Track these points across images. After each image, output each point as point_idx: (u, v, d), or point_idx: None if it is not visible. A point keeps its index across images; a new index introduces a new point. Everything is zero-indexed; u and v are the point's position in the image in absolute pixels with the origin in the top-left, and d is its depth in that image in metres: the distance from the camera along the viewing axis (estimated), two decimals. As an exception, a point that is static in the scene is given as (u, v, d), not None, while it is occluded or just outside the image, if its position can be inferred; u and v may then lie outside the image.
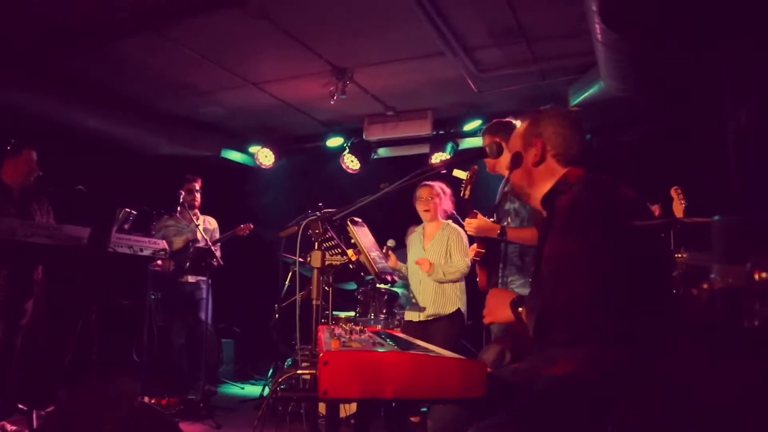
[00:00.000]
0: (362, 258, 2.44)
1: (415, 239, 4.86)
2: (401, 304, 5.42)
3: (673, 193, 3.72)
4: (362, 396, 1.42)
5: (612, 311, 1.67)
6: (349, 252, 2.41)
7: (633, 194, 1.85)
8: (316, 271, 2.25)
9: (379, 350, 1.52)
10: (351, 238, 2.53)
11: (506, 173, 3.76)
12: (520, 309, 1.89)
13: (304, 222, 2.34)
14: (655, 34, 3.68)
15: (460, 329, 4.73)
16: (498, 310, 2.00)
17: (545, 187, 2.07)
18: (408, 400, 1.42)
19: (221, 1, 4.40)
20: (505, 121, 3.95)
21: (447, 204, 4.81)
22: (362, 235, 2.56)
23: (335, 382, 1.40)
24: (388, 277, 2.50)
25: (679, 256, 1.71)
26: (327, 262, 2.36)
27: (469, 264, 4.52)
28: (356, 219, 2.59)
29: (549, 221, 2.00)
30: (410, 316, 4.76)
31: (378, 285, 5.11)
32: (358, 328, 2.18)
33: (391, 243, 5.00)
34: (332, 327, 2.34)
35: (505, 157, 3.73)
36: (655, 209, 3.39)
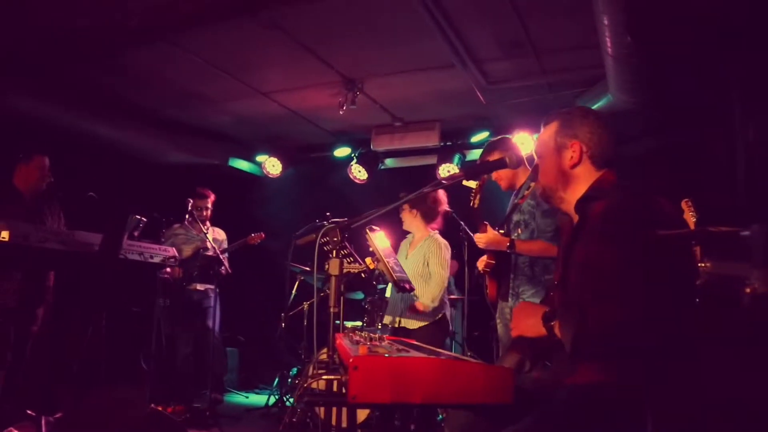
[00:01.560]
0: (380, 266, 2.45)
1: (403, 247, 4.85)
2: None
3: (683, 205, 3.74)
4: (391, 401, 1.43)
5: (648, 326, 1.64)
6: (368, 260, 2.42)
7: (669, 205, 1.82)
8: (334, 279, 2.24)
9: (407, 355, 1.53)
10: (369, 246, 2.54)
11: (518, 184, 3.84)
12: (553, 323, 1.83)
13: (323, 230, 2.34)
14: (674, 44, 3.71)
15: (445, 333, 4.68)
16: (527, 324, 1.93)
17: (580, 189, 2.01)
18: (436, 404, 1.43)
19: (233, 11, 4.44)
20: (502, 138, 4.02)
21: (422, 215, 4.70)
22: (380, 242, 2.57)
23: (365, 387, 1.41)
24: (407, 285, 2.51)
25: (702, 265, 1.71)
26: (345, 270, 2.37)
27: (446, 277, 4.48)
28: (373, 227, 2.60)
29: (580, 226, 1.97)
30: (387, 320, 4.74)
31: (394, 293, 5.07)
32: (376, 335, 2.19)
33: None
34: (350, 334, 2.35)
35: (518, 173, 3.81)
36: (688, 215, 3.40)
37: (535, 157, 2.18)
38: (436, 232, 4.66)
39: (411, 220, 4.64)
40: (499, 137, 4.08)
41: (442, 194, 4.70)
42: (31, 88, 5.65)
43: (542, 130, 2.16)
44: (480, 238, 3.65)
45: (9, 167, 4.57)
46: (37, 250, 3.75)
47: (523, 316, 1.98)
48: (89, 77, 5.73)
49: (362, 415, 4.68)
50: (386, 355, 1.56)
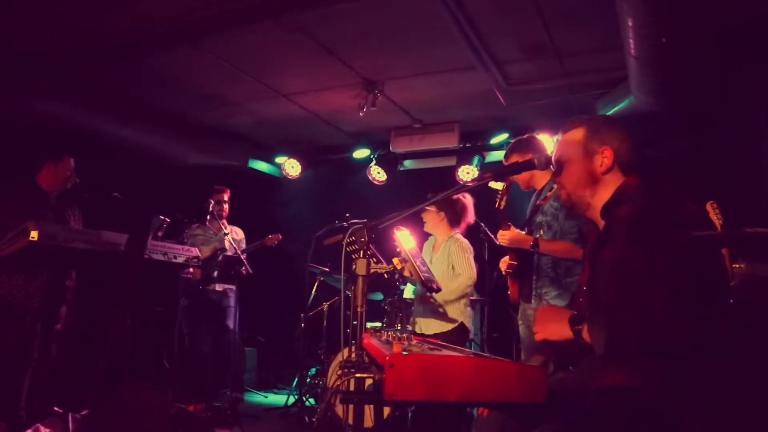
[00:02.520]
0: (408, 266, 2.47)
1: (426, 250, 4.80)
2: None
3: (708, 207, 3.71)
4: (427, 398, 1.44)
5: (678, 327, 1.63)
6: (395, 260, 2.43)
7: (694, 206, 1.82)
8: (361, 279, 2.25)
9: (441, 354, 1.55)
10: (396, 246, 2.56)
11: (540, 185, 3.83)
12: (580, 327, 1.82)
13: (350, 230, 2.35)
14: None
15: (464, 341, 4.50)
16: (552, 327, 1.94)
17: (606, 195, 2.02)
18: (470, 402, 1.44)
19: (256, 15, 4.48)
20: (528, 137, 4.00)
21: (447, 218, 4.67)
22: (406, 242, 2.59)
23: (401, 385, 1.43)
24: (434, 285, 2.52)
25: (737, 266, 1.71)
26: (372, 270, 2.38)
27: (474, 276, 4.38)
28: (400, 227, 2.61)
29: (606, 231, 1.97)
30: (418, 325, 4.69)
31: (424, 293, 5.01)
32: (404, 335, 2.21)
33: None
34: (377, 334, 2.37)
35: (538, 173, 3.80)
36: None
37: (557, 163, 2.17)
38: (458, 233, 4.61)
39: (437, 222, 4.57)
40: (526, 136, 4.03)
41: (470, 204, 4.65)
42: (55, 91, 5.73)
43: (565, 136, 2.16)
44: (504, 236, 3.64)
45: (34, 168, 4.61)
46: (64, 250, 3.80)
47: (547, 320, 1.99)
48: (112, 80, 5.80)
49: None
50: (420, 353, 1.57)
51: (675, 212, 1.82)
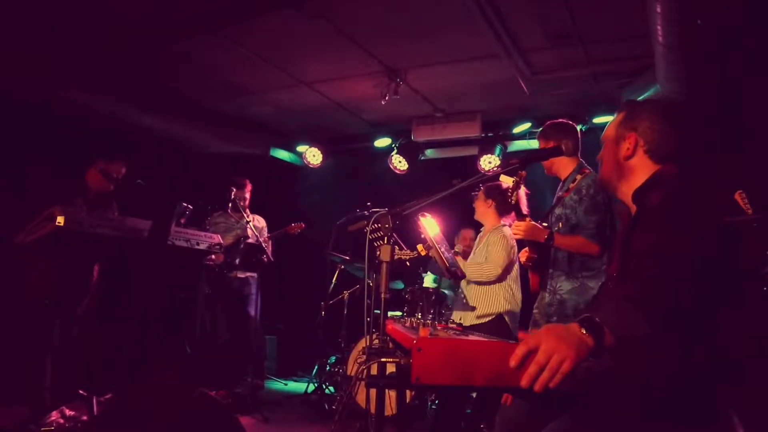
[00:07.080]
0: (432, 253, 2.46)
1: (476, 243, 4.68)
2: (449, 305, 5.42)
3: (737, 197, 3.65)
4: (454, 383, 1.43)
5: (712, 314, 1.62)
6: (419, 247, 2.43)
7: (730, 195, 1.79)
8: (385, 265, 2.25)
9: (468, 338, 1.53)
10: (421, 233, 2.55)
11: (563, 175, 3.78)
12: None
13: (374, 217, 2.34)
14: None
15: (504, 335, 4.16)
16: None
17: (636, 182, 1.99)
18: (497, 387, 1.43)
19: (280, 2, 4.47)
20: (559, 122, 3.90)
21: (496, 207, 4.56)
22: (431, 229, 2.58)
23: (428, 369, 1.41)
24: (458, 272, 2.51)
25: (771, 253, 1.68)
26: (396, 257, 2.37)
27: (499, 271, 4.20)
28: (424, 213, 2.60)
29: (638, 217, 1.95)
30: (455, 316, 4.66)
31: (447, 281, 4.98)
32: (428, 322, 2.20)
33: (458, 248, 4.99)
34: (403, 320, 2.36)
35: (562, 163, 3.74)
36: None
37: (601, 142, 2.17)
38: (506, 225, 4.38)
39: (485, 210, 4.42)
40: (557, 121, 3.90)
41: (522, 192, 4.48)
42: (79, 80, 5.78)
43: (615, 117, 2.15)
44: (519, 227, 3.56)
45: (85, 162, 4.62)
46: (89, 236, 3.84)
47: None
48: (135, 68, 5.83)
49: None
50: (447, 337, 1.56)
51: (710, 198, 1.80)
